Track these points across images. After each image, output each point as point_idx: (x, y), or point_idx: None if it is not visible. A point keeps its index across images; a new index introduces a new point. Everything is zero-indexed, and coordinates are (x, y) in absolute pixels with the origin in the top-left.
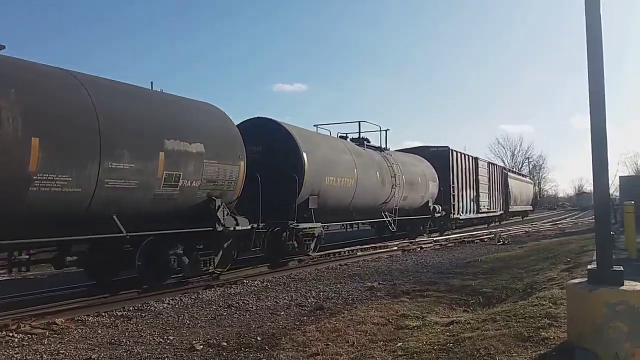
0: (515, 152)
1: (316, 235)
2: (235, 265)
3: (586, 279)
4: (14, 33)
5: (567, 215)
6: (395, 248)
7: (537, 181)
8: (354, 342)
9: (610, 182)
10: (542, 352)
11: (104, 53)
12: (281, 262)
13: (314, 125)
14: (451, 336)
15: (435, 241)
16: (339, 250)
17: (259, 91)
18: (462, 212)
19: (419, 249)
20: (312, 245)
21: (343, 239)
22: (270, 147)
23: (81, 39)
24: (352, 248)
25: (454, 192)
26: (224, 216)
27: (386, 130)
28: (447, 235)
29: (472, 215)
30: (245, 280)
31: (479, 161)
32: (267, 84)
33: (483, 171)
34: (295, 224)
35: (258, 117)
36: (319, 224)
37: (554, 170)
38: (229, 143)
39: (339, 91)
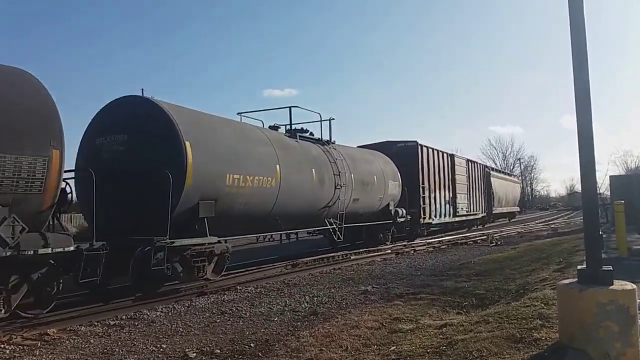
0: (507, 153)
1: (216, 253)
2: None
3: (577, 279)
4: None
5: (559, 215)
6: (389, 251)
7: (529, 182)
8: (347, 347)
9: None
10: (534, 353)
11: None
12: (160, 293)
13: (237, 114)
14: (444, 339)
15: (428, 243)
16: (332, 254)
17: (249, 96)
18: (436, 216)
19: (412, 252)
20: (210, 268)
21: (268, 255)
22: (139, 135)
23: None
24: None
25: (424, 193)
26: (13, 233)
27: (329, 120)
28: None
29: (447, 219)
30: (238, 287)
31: (455, 158)
32: (257, 90)
33: (461, 170)
34: (168, 241)
35: (124, 97)
36: (216, 238)
37: (545, 171)
38: (23, 121)
39: (331, 96)
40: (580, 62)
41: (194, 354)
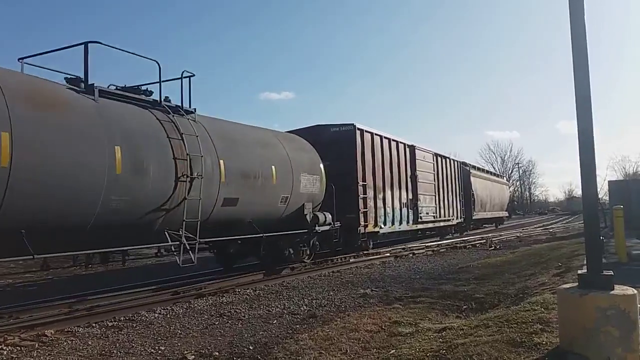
0: (505, 158)
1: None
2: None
3: (577, 283)
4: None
5: (558, 219)
6: (388, 254)
7: (528, 186)
8: (346, 350)
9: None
10: (534, 357)
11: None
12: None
13: (18, 60)
14: (444, 343)
15: (427, 247)
16: (331, 257)
17: (245, 99)
18: (386, 223)
19: (411, 255)
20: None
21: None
22: None
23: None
24: (345, 255)
25: (365, 193)
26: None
27: (189, 77)
28: (440, 241)
29: (404, 227)
30: (237, 289)
31: (417, 151)
32: (254, 92)
33: (426, 166)
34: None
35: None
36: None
37: (543, 175)
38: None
39: (328, 100)
40: (581, 66)
41: (193, 357)
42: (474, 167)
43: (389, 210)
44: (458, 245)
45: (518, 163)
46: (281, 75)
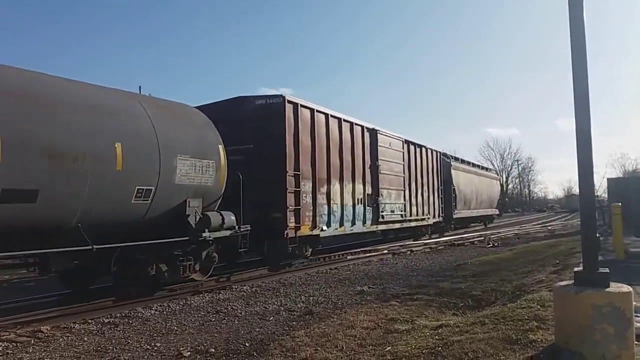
0: (505, 155)
1: None
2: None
3: (573, 281)
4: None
5: (557, 217)
6: (386, 251)
7: (527, 183)
8: (343, 347)
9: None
10: (529, 354)
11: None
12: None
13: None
14: (440, 340)
15: (425, 244)
16: (329, 254)
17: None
18: (331, 224)
19: (409, 252)
20: None
21: None
22: None
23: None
24: (342, 252)
25: (297, 185)
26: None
27: None
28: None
29: (359, 228)
30: (234, 286)
31: (380, 135)
32: (251, 89)
33: (392, 154)
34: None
35: None
36: None
37: (542, 173)
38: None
39: (327, 98)
40: (580, 64)
41: (189, 353)
42: (456, 158)
43: (335, 207)
44: (456, 242)
45: (517, 160)
46: (280, 72)
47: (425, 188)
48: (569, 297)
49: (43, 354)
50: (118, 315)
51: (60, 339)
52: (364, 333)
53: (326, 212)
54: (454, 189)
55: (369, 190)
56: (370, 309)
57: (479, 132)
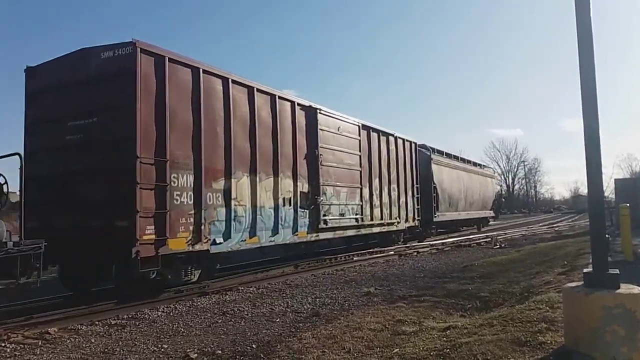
0: (510, 156)
1: None
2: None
3: (582, 282)
4: None
5: (563, 218)
6: (392, 253)
7: (533, 184)
8: (350, 349)
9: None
10: (539, 357)
11: None
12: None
13: None
14: (448, 341)
15: (432, 245)
16: (334, 256)
17: None
18: (229, 234)
19: (415, 254)
20: None
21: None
22: None
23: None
24: (349, 253)
25: (163, 179)
26: None
27: None
28: (443, 239)
29: (287, 238)
30: (240, 287)
31: (321, 116)
32: None
33: (342, 141)
34: None
35: None
36: None
37: (549, 173)
38: None
39: (331, 99)
40: (587, 64)
41: (195, 355)
42: (439, 152)
43: (241, 211)
44: (463, 243)
45: (524, 161)
46: (284, 73)
47: (394, 186)
48: (578, 298)
49: (51, 356)
50: (125, 316)
51: (68, 341)
52: (371, 335)
53: (224, 218)
54: (434, 187)
55: (303, 187)
56: (377, 310)
57: (483, 133)
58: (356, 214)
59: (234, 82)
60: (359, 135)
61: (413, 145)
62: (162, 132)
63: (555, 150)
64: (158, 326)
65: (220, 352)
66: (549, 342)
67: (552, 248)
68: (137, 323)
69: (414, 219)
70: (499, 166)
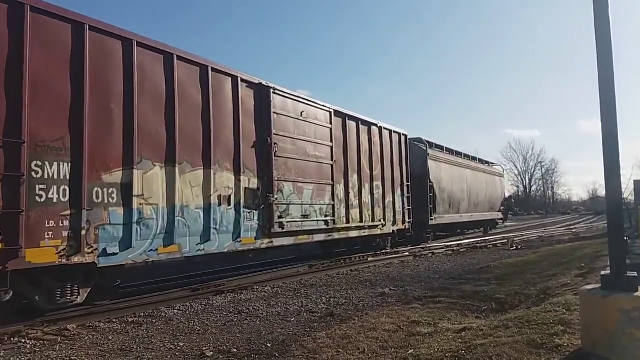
0: (527, 157)
1: None
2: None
3: (600, 285)
4: None
5: (581, 219)
6: (407, 254)
7: (550, 185)
8: (364, 349)
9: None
10: (555, 359)
11: None
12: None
13: None
14: (463, 343)
15: (447, 247)
16: (348, 256)
17: None
18: (130, 242)
19: (431, 255)
20: None
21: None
22: None
23: None
24: (364, 254)
25: (35, 170)
26: None
27: None
28: (460, 240)
29: (223, 246)
30: (255, 286)
31: (276, 96)
32: None
33: (303, 129)
34: None
35: None
36: None
37: (567, 175)
38: None
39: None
40: (605, 64)
41: (211, 353)
42: (437, 146)
43: (149, 210)
44: (479, 245)
45: (541, 162)
46: (299, 74)
47: (378, 183)
48: (596, 301)
49: (70, 352)
50: (142, 314)
51: (86, 338)
52: (385, 335)
53: (120, 221)
54: (431, 186)
55: (250, 182)
56: (392, 311)
57: (499, 134)
58: (326, 216)
59: (141, 45)
60: (331, 123)
61: (403, 137)
62: (15, 103)
63: (573, 152)
64: (174, 324)
65: (235, 350)
66: (565, 344)
67: (569, 250)
68: (154, 321)
69: (403, 222)
70: (516, 167)
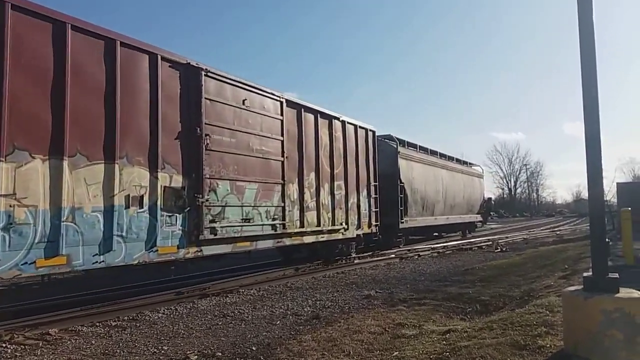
0: (513, 159)
1: None
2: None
3: (582, 286)
4: None
5: (565, 222)
6: (393, 256)
7: (535, 188)
8: (350, 352)
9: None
10: None
11: None
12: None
13: None
14: (447, 345)
15: (433, 249)
16: (336, 258)
17: None
18: None
19: (416, 257)
20: None
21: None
22: None
23: None
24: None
25: None
26: None
27: None
28: (444, 242)
29: (132, 257)
30: (241, 290)
31: (208, 79)
32: None
33: (245, 118)
34: None
35: None
36: None
37: (551, 177)
38: None
39: (335, 102)
40: (589, 68)
41: (195, 357)
42: (411, 145)
43: (22, 214)
44: (464, 247)
45: (526, 164)
46: (289, 76)
47: (340, 183)
48: (578, 302)
49: (51, 357)
50: (125, 318)
51: (68, 342)
52: (371, 338)
53: None
54: (402, 187)
55: (171, 180)
56: (378, 313)
57: (486, 137)
58: (274, 219)
59: (15, 8)
60: (282, 114)
61: (370, 134)
62: None
63: (558, 154)
64: (158, 328)
65: (220, 354)
66: (548, 346)
67: (553, 252)
68: (138, 325)
69: (369, 225)
70: (502, 169)
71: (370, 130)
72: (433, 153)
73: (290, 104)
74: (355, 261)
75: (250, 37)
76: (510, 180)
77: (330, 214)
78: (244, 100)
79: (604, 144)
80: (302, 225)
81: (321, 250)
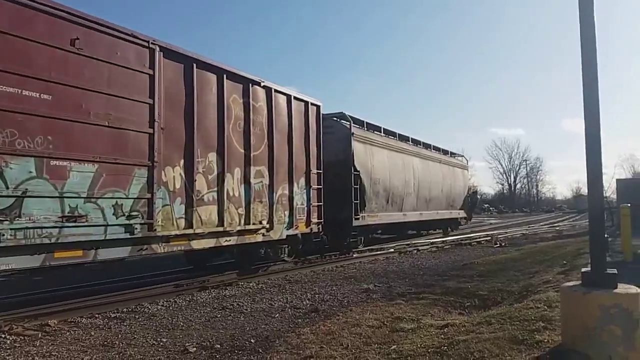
0: (512, 155)
1: None
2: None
3: (580, 281)
4: None
5: (565, 217)
6: (392, 250)
7: (535, 183)
8: (348, 345)
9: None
10: (536, 355)
11: None
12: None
13: None
14: (446, 339)
15: (432, 243)
16: (334, 252)
17: None
18: None
19: (415, 251)
20: None
21: None
22: None
23: None
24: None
25: None
26: None
27: None
28: (444, 237)
29: None
30: (240, 282)
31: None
32: None
33: (87, 69)
34: None
35: None
36: None
37: (551, 173)
38: None
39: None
40: (590, 64)
41: (194, 349)
42: (371, 126)
43: None
44: (463, 242)
45: (526, 160)
46: (289, 70)
47: (261, 169)
48: (576, 297)
49: (50, 348)
50: (124, 310)
51: (67, 333)
52: (369, 331)
53: None
54: (357, 176)
55: None
56: (376, 307)
57: (485, 132)
58: (131, 216)
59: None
60: (152, 66)
61: (313, 109)
62: None
63: (558, 151)
64: (157, 320)
65: (219, 346)
66: (546, 340)
67: (552, 247)
68: (137, 316)
69: (308, 223)
70: (501, 165)
71: (313, 104)
72: (403, 138)
73: (171, 54)
74: (354, 255)
75: (250, 32)
76: (510, 176)
77: (243, 210)
78: (73, 40)
79: (603, 140)
80: (189, 226)
81: (238, 255)
